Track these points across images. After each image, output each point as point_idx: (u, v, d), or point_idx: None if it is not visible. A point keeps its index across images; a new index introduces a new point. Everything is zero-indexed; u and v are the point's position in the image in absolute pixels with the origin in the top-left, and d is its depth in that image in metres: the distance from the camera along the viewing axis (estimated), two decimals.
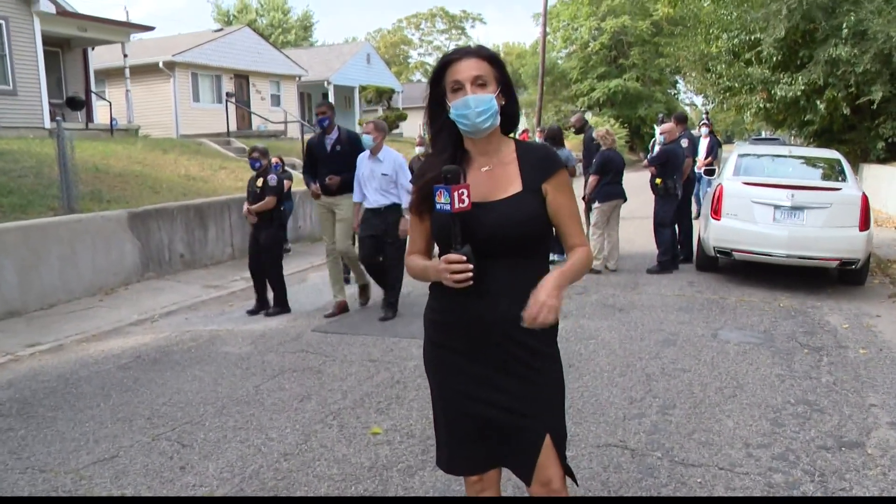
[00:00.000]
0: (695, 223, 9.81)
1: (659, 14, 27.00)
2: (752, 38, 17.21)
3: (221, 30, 29.88)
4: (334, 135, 6.99)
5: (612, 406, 4.42)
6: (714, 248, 8.13)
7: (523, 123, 41.44)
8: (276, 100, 27.64)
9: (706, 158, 12.19)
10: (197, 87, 24.17)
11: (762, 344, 5.77)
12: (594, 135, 9.32)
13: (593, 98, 41.80)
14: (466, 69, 2.07)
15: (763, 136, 37.34)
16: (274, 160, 9.29)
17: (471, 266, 1.98)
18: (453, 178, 1.98)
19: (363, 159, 6.65)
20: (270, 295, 7.28)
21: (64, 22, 17.05)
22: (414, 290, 7.41)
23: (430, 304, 2.25)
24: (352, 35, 79.24)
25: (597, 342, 5.80)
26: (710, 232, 8.18)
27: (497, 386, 2.12)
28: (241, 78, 26.16)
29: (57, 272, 7.82)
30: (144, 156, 13.20)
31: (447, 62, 2.11)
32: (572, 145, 17.24)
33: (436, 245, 2.21)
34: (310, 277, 9.22)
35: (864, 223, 7.45)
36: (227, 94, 24.58)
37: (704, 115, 18.53)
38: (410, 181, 2.34)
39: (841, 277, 8.04)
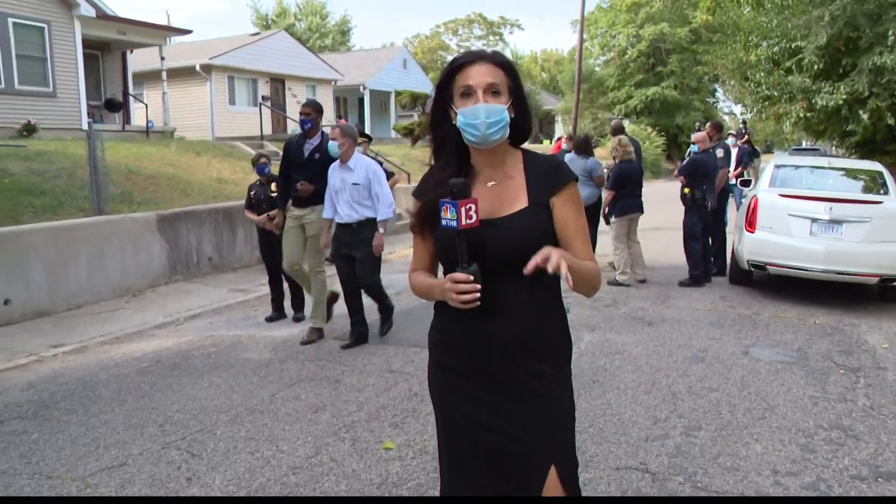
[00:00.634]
0: (728, 235, 9.56)
1: (698, 21, 26.62)
2: (793, 45, 16.82)
3: (258, 34, 30.18)
4: (316, 140, 6.28)
5: (635, 426, 4.26)
6: (748, 261, 7.89)
7: (559, 130, 41.25)
8: None
9: (736, 169, 11.92)
10: (233, 90, 24.43)
11: (795, 363, 5.55)
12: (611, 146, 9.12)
13: (630, 106, 41.32)
14: (479, 75, 1.93)
15: (803, 146, 36.62)
16: None
17: (478, 286, 1.85)
18: (461, 193, 1.85)
19: (334, 169, 5.93)
20: (287, 302, 7.23)
21: (103, 25, 17.34)
22: None
23: (435, 323, 2.13)
24: (390, 41, 79.59)
25: (623, 357, 5.63)
26: (744, 245, 7.95)
27: (500, 411, 1.99)
28: (277, 81, 26.37)
29: (85, 273, 7.88)
30: (177, 158, 13.31)
31: (459, 65, 1.97)
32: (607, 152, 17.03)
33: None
34: (334, 284, 9.15)
35: None
36: (263, 97, 24.79)
37: (742, 124, 18.13)
38: (412, 193, 2.22)
39: (881, 294, 7.76)
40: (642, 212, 8.83)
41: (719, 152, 9.24)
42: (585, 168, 8.84)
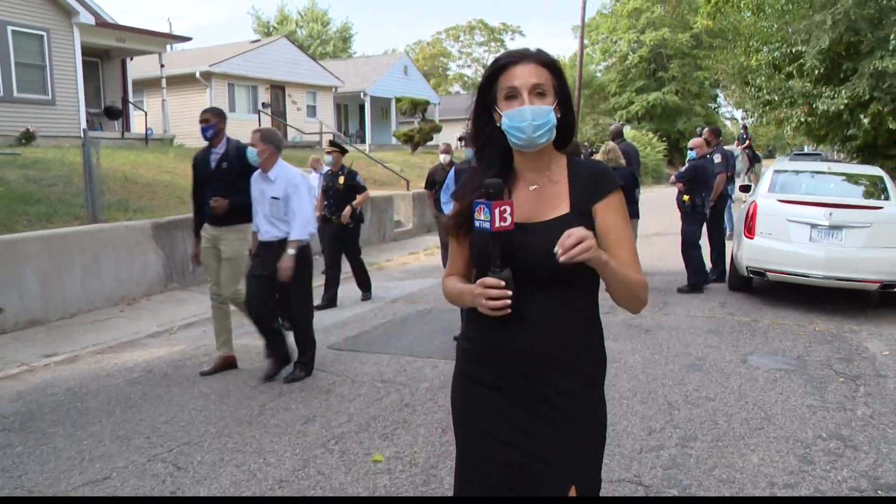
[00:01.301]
0: (727, 242, 9.48)
1: (698, 26, 26.61)
2: (794, 50, 16.79)
3: (259, 41, 30.21)
4: (221, 148, 5.59)
5: (629, 437, 4.19)
6: (747, 267, 7.82)
7: None
8: (311, 110, 27.80)
9: (746, 172, 11.85)
10: (233, 97, 24.40)
11: (794, 371, 5.47)
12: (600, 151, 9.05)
13: (632, 111, 41.36)
14: (524, 75, 1.84)
15: (805, 150, 36.56)
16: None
17: (509, 293, 1.75)
18: (496, 194, 1.75)
19: (255, 179, 5.35)
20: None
21: (103, 33, 17.34)
22: (437, 307, 7.21)
23: (465, 331, 2.04)
24: (391, 47, 79.70)
25: (619, 366, 5.55)
26: (743, 251, 7.88)
27: (523, 428, 1.87)
28: (278, 88, 26.36)
29: (79, 282, 7.82)
30: (175, 165, 13.27)
31: (502, 65, 1.88)
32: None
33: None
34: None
35: None
36: (263, 104, 24.78)
37: (743, 130, 18.06)
38: (451, 195, 2.11)
39: (882, 301, 7.67)
40: (637, 217, 8.75)
41: (717, 157, 9.17)
42: None
